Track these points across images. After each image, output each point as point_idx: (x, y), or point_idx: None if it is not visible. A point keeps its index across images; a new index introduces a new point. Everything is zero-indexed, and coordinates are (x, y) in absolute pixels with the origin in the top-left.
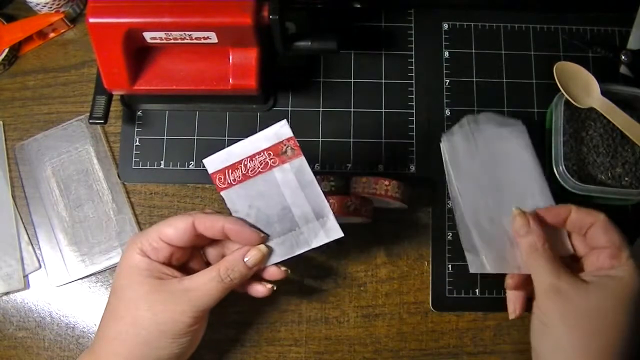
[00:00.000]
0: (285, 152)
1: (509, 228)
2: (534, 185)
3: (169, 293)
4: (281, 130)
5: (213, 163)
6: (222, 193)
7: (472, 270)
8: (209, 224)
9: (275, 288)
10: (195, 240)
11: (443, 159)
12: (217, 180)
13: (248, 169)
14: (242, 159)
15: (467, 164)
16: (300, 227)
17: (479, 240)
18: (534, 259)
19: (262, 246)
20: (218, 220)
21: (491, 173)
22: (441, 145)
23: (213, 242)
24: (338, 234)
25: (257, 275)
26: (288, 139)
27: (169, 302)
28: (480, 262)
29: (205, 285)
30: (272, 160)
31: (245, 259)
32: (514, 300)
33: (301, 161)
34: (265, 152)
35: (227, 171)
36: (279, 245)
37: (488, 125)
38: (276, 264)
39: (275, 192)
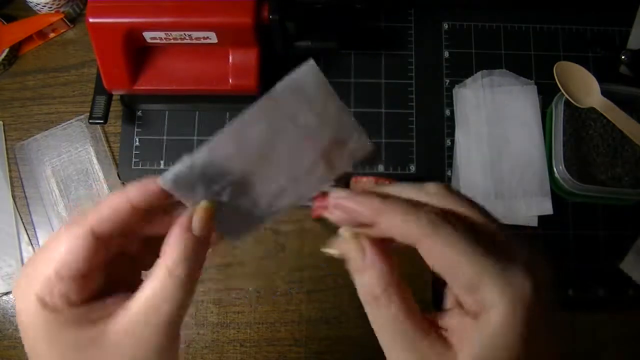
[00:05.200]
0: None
1: (498, 183)
2: (532, 146)
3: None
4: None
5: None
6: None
7: None
8: (112, 217)
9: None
10: (121, 237)
11: (454, 108)
12: None
13: None
14: None
15: (473, 116)
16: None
17: (465, 188)
18: (385, 325)
19: (203, 202)
20: (118, 207)
21: (493, 127)
22: (453, 93)
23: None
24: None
25: None
26: None
27: None
28: None
29: (154, 301)
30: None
31: (194, 229)
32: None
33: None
34: None
35: None
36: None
37: (501, 81)
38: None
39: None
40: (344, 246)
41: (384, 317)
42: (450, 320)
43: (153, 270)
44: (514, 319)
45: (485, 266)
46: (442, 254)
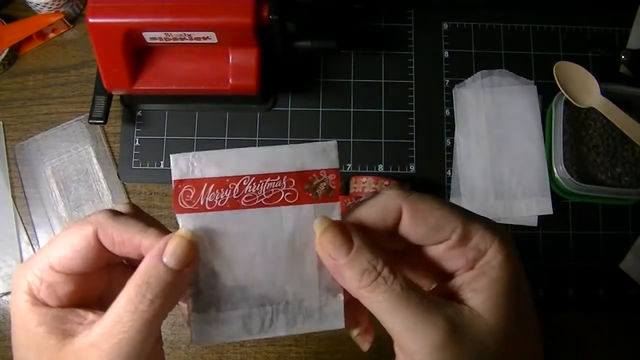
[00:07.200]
0: (316, 187)
1: (498, 183)
2: (532, 146)
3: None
4: (324, 154)
5: (184, 164)
6: (180, 216)
7: None
8: (119, 238)
9: None
10: (109, 257)
11: (454, 108)
12: (181, 194)
13: (243, 194)
14: (242, 176)
15: (473, 116)
16: (289, 302)
17: (465, 188)
18: (385, 306)
19: (182, 230)
20: (134, 234)
21: (493, 127)
22: (452, 92)
23: None
24: (338, 323)
25: None
26: (328, 171)
27: None
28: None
29: (115, 327)
30: (288, 193)
31: (165, 259)
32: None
33: (334, 208)
34: (283, 178)
35: (206, 185)
36: (245, 318)
37: (500, 81)
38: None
39: (272, 240)
40: (323, 238)
41: (391, 293)
42: (457, 281)
43: (119, 296)
44: (508, 251)
45: (470, 215)
46: (430, 214)
